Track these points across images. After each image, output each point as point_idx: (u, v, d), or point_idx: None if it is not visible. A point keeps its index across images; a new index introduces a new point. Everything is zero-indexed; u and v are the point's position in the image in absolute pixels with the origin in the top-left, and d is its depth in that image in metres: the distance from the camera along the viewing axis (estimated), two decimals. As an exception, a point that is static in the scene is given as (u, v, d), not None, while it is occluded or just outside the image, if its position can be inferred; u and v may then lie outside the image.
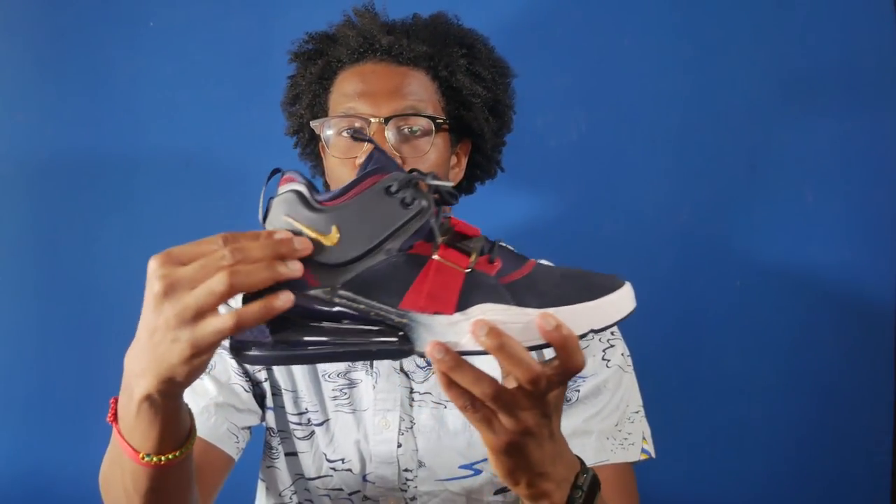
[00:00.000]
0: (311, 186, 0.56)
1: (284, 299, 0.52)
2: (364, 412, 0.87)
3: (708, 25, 1.16)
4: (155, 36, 1.17)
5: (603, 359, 0.86)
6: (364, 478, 0.87)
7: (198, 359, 0.52)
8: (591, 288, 0.55)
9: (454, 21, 0.93)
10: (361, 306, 0.54)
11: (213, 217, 1.17)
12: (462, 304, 0.54)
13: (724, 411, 1.18)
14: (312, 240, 0.54)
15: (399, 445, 0.86)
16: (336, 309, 0.54)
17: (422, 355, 0.54)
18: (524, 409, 0.54)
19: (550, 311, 0.53)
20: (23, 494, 1.17)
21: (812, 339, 1.17)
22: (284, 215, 0.55)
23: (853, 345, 1.17)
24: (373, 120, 0.82)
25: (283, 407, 0.90)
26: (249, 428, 0.89)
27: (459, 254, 0.56)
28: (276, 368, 0.90)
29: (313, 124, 0.88)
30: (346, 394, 0.88)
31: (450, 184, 0.59)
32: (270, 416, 0.91)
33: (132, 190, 1.17)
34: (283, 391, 0.90)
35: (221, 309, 0.52)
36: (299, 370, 0.89)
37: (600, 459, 0.81)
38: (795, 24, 1.15)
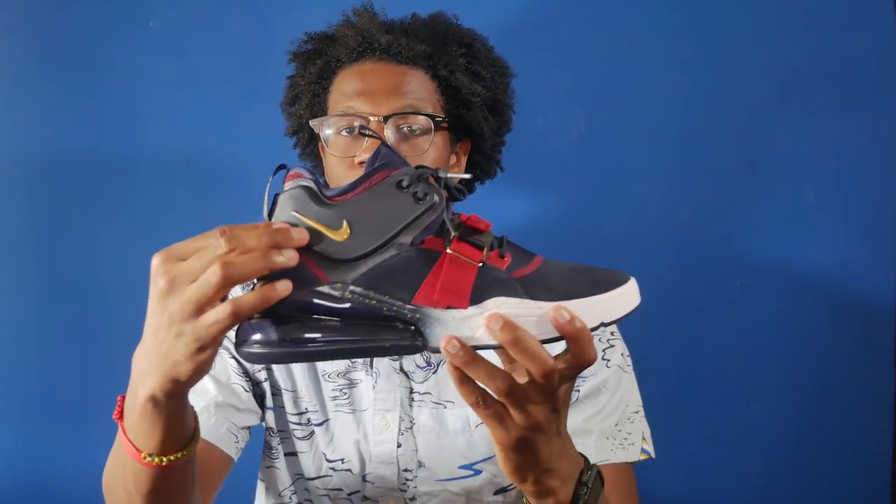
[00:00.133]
0: (319, 182, 0.56)
1: (282, 287, 0.52)
2: (364, 412, 0.87)
3: (708, 25, 1.16)
4: (155, 36, 1.17)
5: (603, 359, 0.85)
6: (364, 478, 0.87)
7: (202, 354, 0.52)
8: (600, 282, 0.55)
9: (453, 21, 0.93)
10: (373, 302, 0.54)
11: (213, 217, 1.14)
12: (475, 298, 0.54)
13: (724, 411, 1.17)
14: (323, 235, 0.54)
15: (399, 445, 0.86)
16: (347, 305, 0.54)
17: (436, 350, 0.53)
18: (535, 404, 0.54)
19: (563, 304, 0.53)
20: (23, 494, 1.17)
21: (812, 339, 1.17)
22: (293, 211, 0.54)
23: (853, 345, 1.17)
24: (372, 118, 0.82)
25: (282, 407, 0.90)
26: (249, 428, 0.89)
27: (472, 248, 0.55)
28: (276, 368, 0.90)
29: (312, 123, 0.88)
30: (345, 394, 0.88)
31: (467, 176, 0.60)
32: (270, 415, 0.91)
33: (132, 190, 1.17)
34: (282, 391, 0.90)
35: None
36: (299, 370, 0.89)
37: (600, 459, 0.81)
38: (795, 24, 1.15)
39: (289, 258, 0.52)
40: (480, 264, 0.55)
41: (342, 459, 0.88)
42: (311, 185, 0.55)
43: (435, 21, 0.92)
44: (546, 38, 1.16)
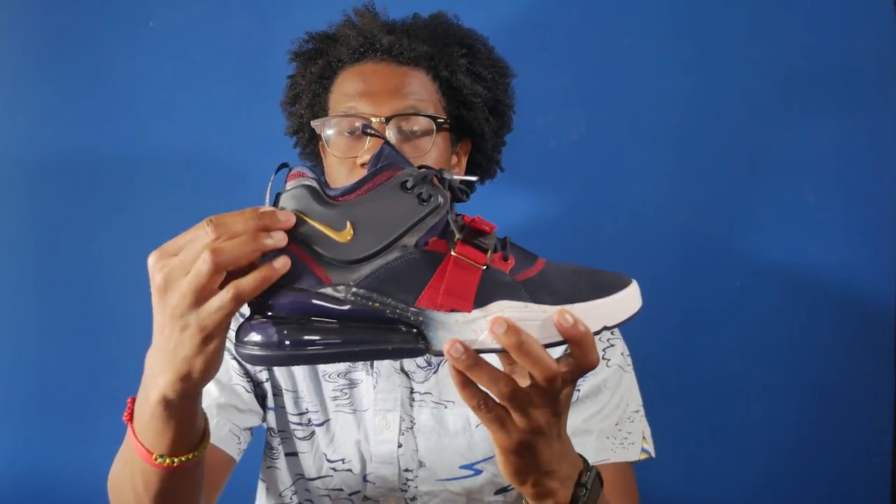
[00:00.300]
0: (321, 182, 0.55)
1: (281, 264, 0.52)
2: (364, 412, 0.87)
3: (708, 25, 1.16)
4: (155, 36, 1.17)
5: (603, 358, 0.86)
6: (364, 478, 0.87)
7: (210, 343, 0.52)
8: (603, 285, 0.55)
9: (454, 21, 0.93)
10: (376, 304, 0.53)
11: (212, 217, 1.16)
12: (479, 302, 0.53)
13: (724, 411, 1.17)
14: (325, 236, 0.53)
15: (399, 445, 0.86)
16: (349, 307, 0.53)
17: (439, 354, 0.53)
18: (537, 408, 0.54)
19: (567, 307, 0.53)
20: (23, 494, 1.17)
21: (812, 339, 1.17)
22: (295, 210, 0.54)
23: (853, 345, 1.17)
24: (374, 119, 0.82)
25: (283, 407, 0.90)
26: (251, 429, 0.89)
27: (476, 250, 0.55)
28: (276, 369, 0.89)
29: (314, 124, 0.88)
30: (346, 394, 0.88)
31: (473, 178, 0.59)
32: (271, 416, 0.91)
33: (132, 190, 1.17)
34: (283, 391, 0.90)
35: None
36: (300, 370, 0.89)
37: (600, 459, 0.81)
38: (795, 24, 1.15)
39: (277, 240, 0.52)
40: (484, 267, 0.54)
41: (343, 459, 0.88)
42: (314, 184, 0.54)
43: (436, 21, 0.92)
44: (546, 38, 1.16)
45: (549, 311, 0.53)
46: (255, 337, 0.53)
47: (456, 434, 0.86)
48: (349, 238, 0.53)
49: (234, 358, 0.87)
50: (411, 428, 0.86)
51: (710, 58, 1.16)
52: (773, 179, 1.16)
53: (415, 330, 0.53)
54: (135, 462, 0.61)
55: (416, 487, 0.86)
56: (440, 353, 0.52)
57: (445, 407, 0.86)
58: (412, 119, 0.83)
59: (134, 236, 1.16)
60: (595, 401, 0.84)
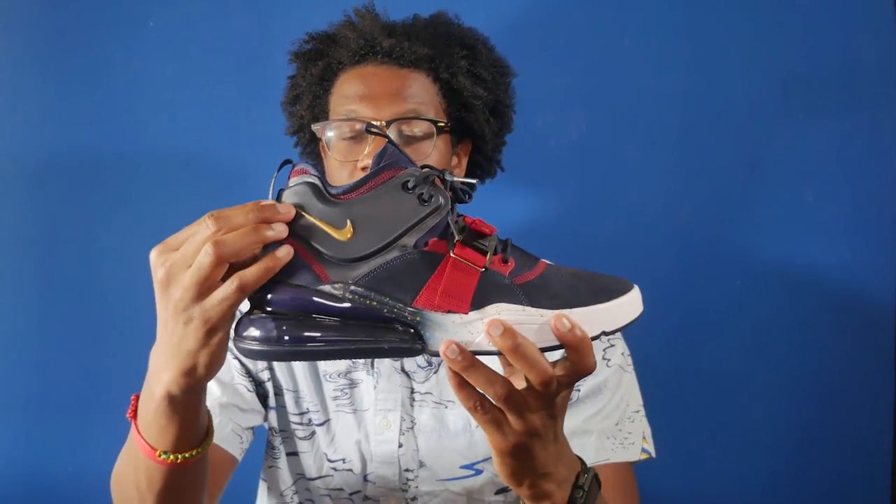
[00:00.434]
0: (323, 179, 0.56)
1: (283, 253, 0.52)
2: (365, 412, 0.87)
3: (708, 25, 1.16)
4: (155, 36, 1.17)
5: (603, 358, 0.86)
6: (365, 478, 0.87)
7: (214, 336, 0.52)
8: (603, 290, 0.55)
9: (454, 21, 0.93)
10: (374, 303, 0.53)
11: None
12: (477, 304, 0.53)
13: (724, 411, 1.18)
14: (326, 234, 0.53)
15: (400, 445, 0.86)
16: (347, 305, 0.53)
17: (435, 354, 0.53)
18: (533, 411, 0.54)
19: (565, 312, 0.53)
20: (23, 494, 1.17)
21: (812, 339, 1.17)
22: (296, 206, 0.54)
23: (853, 345, 1.17)
24: (375, 123, 0.82)
25: (284, 406, 0.90)
26: (253, 428, 0.89)
27: (475, 252, 0.55)
28: (277, 368, 0.90)
29: (314, 127, 0.87)
30: (346, 394, 0.88)
31: (473, 181, 0.59)
32: (272, 415, 0.91)
33: (132, 190, 1.17)
34: (284, 391, 0.90)
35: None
36: (301, 370, 0.89)
37: (600, 459, 0.81)
38: (796, 24, 1.15)
39: (278, 231, 0.52)
40: (483, 269, 0.54)
41: (343, 459, 0.88)
42: (317, 181, 0.54)
43: (436, 22, 0.91)
44: (546, 38, 1.16)
45: (546, 315, 0.53)
46: (253, 332, 0.54)
47: (456, 434, 0.86)
48: (349, 236, 0.54)
49: (236, 358, 0.87)
50: (412, 428, 0.86)
51: (710, 58, 1.16)
52: (773, 179, 1.16)
53: (412, 330, 0.54)
54: (138, 459, 0.61)
55: (417, 487, 0.87)
56: (436, 354, 0.53)
57: (446, 407, 0.86)
58: (413, 123, 0.83)
59: (134, 236, 1.16)
60: (595, 401, 0.84)
